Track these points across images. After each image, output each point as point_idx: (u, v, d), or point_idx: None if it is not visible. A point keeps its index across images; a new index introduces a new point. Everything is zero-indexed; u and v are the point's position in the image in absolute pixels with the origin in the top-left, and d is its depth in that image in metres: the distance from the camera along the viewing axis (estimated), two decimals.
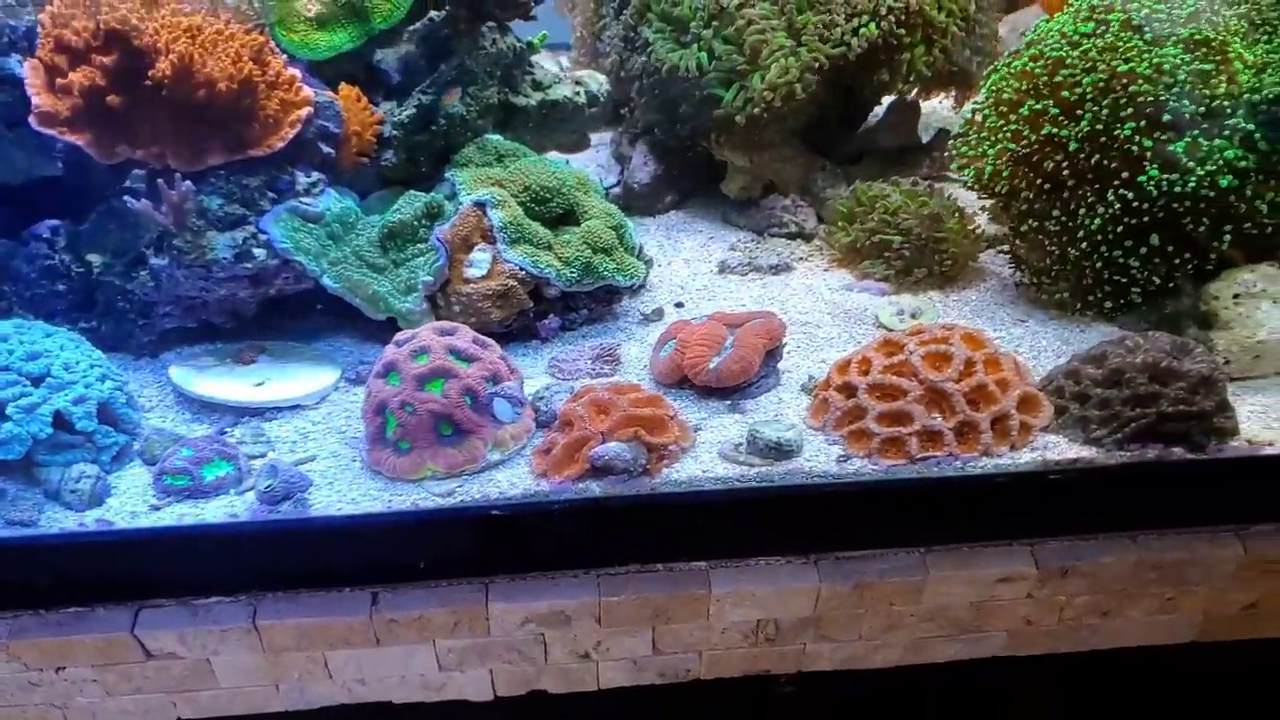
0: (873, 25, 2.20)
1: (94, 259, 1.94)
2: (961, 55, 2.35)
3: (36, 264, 1.95)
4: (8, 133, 1.92)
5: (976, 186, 2.13)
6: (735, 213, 2.49)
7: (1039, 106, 1.97)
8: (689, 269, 2.35)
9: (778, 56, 2.19)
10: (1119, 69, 1.90)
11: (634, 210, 2.53)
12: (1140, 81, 1.87)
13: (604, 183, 2.69)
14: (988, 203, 2.23)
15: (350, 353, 2.05)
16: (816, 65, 2.21)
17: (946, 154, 2.54)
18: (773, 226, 2.40)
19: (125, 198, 1.81)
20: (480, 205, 2.03)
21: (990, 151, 2.03)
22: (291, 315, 2.10)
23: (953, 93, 2.53)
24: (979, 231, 2.27)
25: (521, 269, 2.01)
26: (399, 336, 1.77)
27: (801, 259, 2.34)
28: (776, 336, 1.89)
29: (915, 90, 2.42)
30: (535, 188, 2.06)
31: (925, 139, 2.64)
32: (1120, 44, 1.92)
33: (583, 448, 1.64)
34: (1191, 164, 1.84)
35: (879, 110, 2.66)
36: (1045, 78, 1.98)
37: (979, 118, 2.10)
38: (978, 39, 2.42)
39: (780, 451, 1.64)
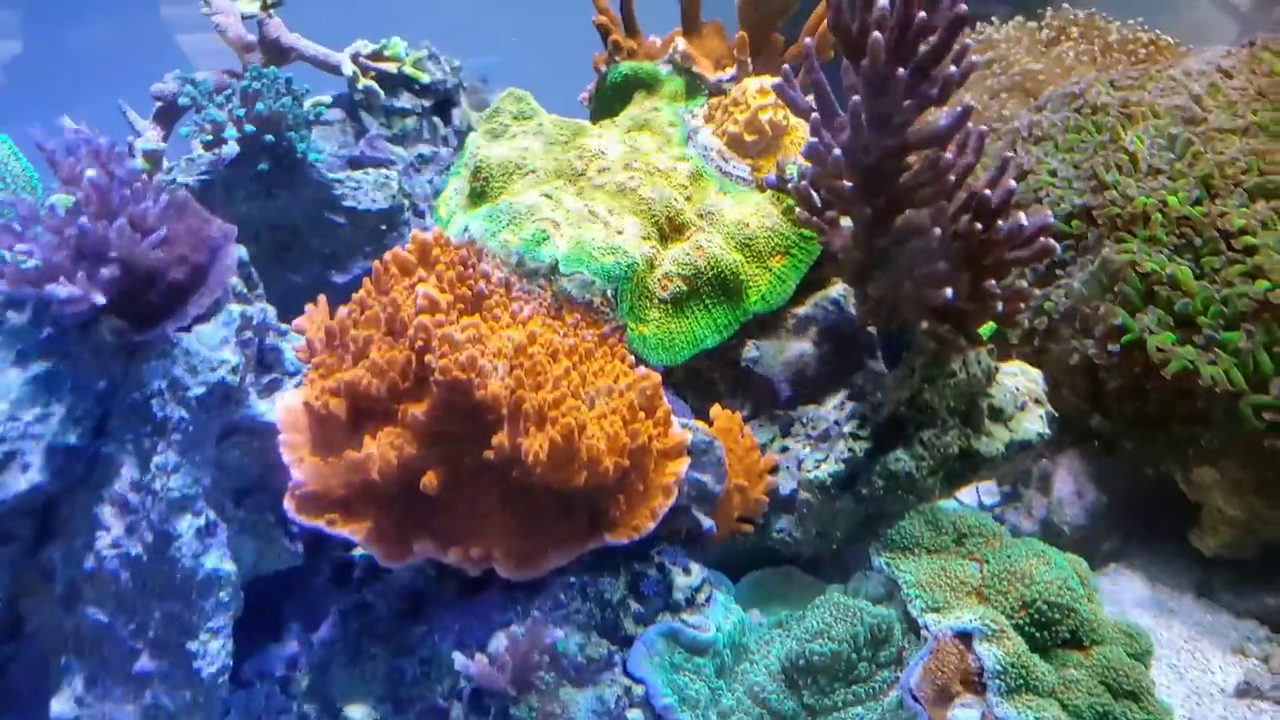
0: None
1: (355, 716, 1.18)
2: None
3: None
4: (236, 510, 1.18)
5: None
6: (1222, 583, 1.71)
7: None
8: (1182, 682, 1.56)
9: None
10: None
11: None
12: None
13: (982, 502, 1.94)
14: None
15: None
16: None
17: None
18: None
19: (459, 660, 1.06)
20: (963, 635, 1.28)
21: None
22: None
23: None
24: None
25: None
26: None
27: None
28: None
29: None
30: (1040, 605, 1.30)
31: None
32: None
33: None
34: None
35: None
36: None
37: None
38: None
39: None
